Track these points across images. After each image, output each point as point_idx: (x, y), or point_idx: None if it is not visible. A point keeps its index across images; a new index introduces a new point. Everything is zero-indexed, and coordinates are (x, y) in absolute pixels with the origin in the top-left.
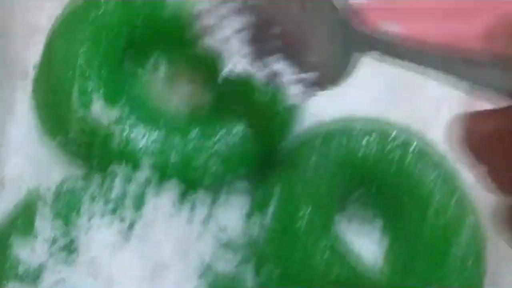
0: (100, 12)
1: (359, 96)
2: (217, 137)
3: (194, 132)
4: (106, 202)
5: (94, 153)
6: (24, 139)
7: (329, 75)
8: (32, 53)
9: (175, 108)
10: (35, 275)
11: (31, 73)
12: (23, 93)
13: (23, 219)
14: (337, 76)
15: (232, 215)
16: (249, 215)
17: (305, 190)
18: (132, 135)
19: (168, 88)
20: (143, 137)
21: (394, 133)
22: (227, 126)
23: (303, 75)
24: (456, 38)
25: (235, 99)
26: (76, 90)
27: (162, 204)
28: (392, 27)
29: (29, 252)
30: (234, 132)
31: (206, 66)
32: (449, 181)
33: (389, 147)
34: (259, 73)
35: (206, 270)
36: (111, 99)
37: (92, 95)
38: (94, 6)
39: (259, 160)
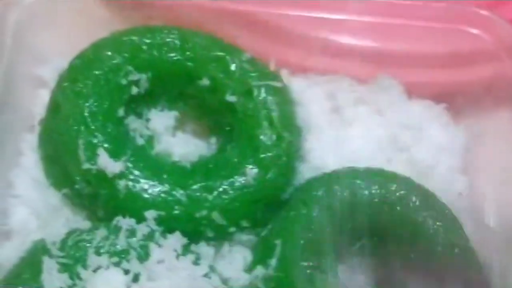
0: (105, 68)
1: (360, 146)
2: (220, 190)
3: (197, 185)
4: (111, 254)
5: (99, 205)
6: (30, 191)
7: None
8: (37, 106)
9: (179, 160)
10: None
11: (37, 126)
12: (29, 146)
13: (29, 271)
14: None
15: (234, 267)
16: (251, 267)
17: (307, 242)
18: (136, 188)
19: (171, 139)
20: (147, 190)
21: (395, 186)
22: (229, 179)
23: None
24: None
25: (237, 150)
26: (81, 144)
27: (166, 256)
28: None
29: None
30: (237, 185)
31: (209, 118)
32: (451, 232)
33: (390, 199)
34: None
35: None
36: (115, 152)
37: (97, 148)
38: (99, 62)
39: (262, 212)
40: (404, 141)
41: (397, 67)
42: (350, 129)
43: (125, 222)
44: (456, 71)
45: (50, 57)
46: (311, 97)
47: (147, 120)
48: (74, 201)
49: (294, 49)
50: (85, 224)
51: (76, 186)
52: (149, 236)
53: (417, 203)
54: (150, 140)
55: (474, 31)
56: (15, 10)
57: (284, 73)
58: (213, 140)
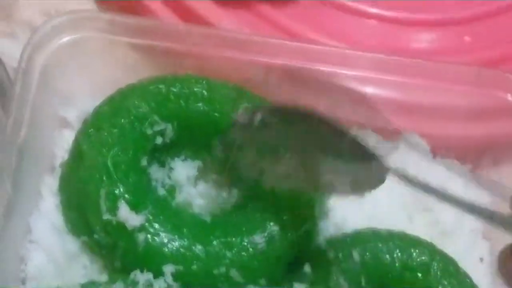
0: (131, 117)
1: (383, 204)
2: (240, 247)
3: (217, 241)
4: None
5: (117, 256)
6: (48, 237)
7: None
8: (59, 147)
9: (199, 214)
10: None
11: (58, 168)
12: (48, 189)
13: None
14: None
15: None
16: None
17: None
18: (156, 242)
19: (193, 190)
20: (166, 244)
21: (417, 252)
22: (249, 236)
23: None
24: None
25: (259, 207)
26: (103, 194)
27: None
28: None
29: None
30: (257, 243)
31: (230, 170)
32: None
33: (412, 265)
34: None
35: None
36: (136, 204)
37: (119, 200)
38: (125, 111)
39: (280, 271)
40: (427, 202)
41: (424, 122)
42: None
43: (142, 277)
44: (482, 129)
45: (75, 99)
46: None
47: (170, 169)
48: (92, 249)
49: (322, 99)
50: (102, 275)
51: (95, 236)
52: None
53: (439, 271)
54: (171, 190)
55: (505, 94)
56: (43, 52)
57: None
58: (234, 192)
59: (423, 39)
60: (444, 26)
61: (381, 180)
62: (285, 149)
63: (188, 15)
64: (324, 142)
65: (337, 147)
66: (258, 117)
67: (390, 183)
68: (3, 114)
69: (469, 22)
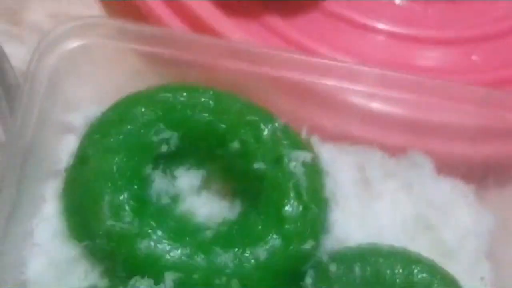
0: (137, 124)
1: (385, 221)
2: (241, 258)
3: (219, 251)
4: None
5: (118, 262)
6: (50, 241)
7: None
8: (63, 151)
9: (202, 223)
10: None
11: (62, 173)
12: (52, 192)
13: None
14: None
15: None
16: None
17: None
18: (158, 249)
19: (196, 199)
20: (167, 253)
21: (418, 269)
22: (251, 247)
23: None
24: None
25: (262, 218)
26: (106, 200)
27: None
28: None
29: None
30: (259, 254)
31: (235, 180)
32: None
33: (412, 282)
34: None
35: None
36: (139, 211)
37: (122, 206)
38: (132, 117)
39: (281, 284)
40: (430, 220)
41: (430, 140)
42: (376, 203)
43: (143, 283)
44: (488, 149)
45: (80, 104)
46: (341, 167)
47: (173, 177)
48: (93, 255)
49: (328, 114)
50: (103, 280)
51: (97, 241)
52: None
53: None
54: (175, 198)
55: None
56: (51, 57)
57: (315, 140)
58: (237, 202)
59: (430, 57)
60: (452, 44)
61: None
62: None
63: (198, 26)
64: None
65: None
66: None
67: (393, 200)
68: (10, 117)
69: (478, 42)
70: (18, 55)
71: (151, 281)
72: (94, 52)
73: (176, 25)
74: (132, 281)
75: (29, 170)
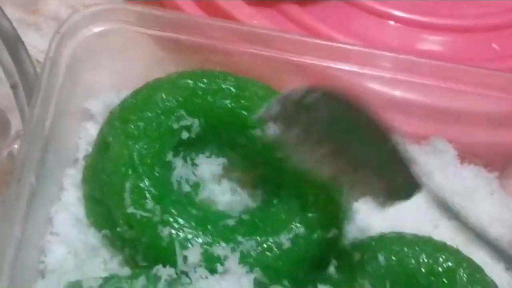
0: (158, 111)
1: (408, 209)
2: (264, 246)
3: (241, 240)
4: None
5: (139, 250)
6: (69, 229)
7: None
8: (83, 139)
9: (223, 211)
10: None
11: (81, 160)
12: (71, 181)
13: None
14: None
15: None
16: None
17: None
18: (180, 237)
19: (217, 187)
20: (189, 240)
21: (443, 257)
22: (274, 236)
23: None
24: None
25: (285, 207)
26: (128, 187)
27: None
28: None
29: None
30: (282, 243)
31: (256, 168)
32: None
33: (437, 271)
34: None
35: None
36: (161, 198)
37: (144, 193)
38: (153, 104)
39: (304, 272)
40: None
41: (453, 127)
42: None
43: (165, 272)
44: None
45: (99, 91)
46: None
47: (194, 165)
48: (113, 243)
49: None
50: (123, 269)
51: (118, 229)
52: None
53: (464, 277)
54: (195, 186)
55: None
56: (70, 44)
57: None
58: (259, 191)
59: (448, 45)
60: (472, 32)
61: (416, 189)
62: (327, 136)
63: (217, 12)
64: (366, 140)
65: (379, 148)
66: (312, 96)
67: None
68: (29, 106)
69: (496, 30)
70: (35, 44)
71: (173, 270)
72: (113, 38)
73: (195, 12)
74: (153, 270)
75: (48, 158)
